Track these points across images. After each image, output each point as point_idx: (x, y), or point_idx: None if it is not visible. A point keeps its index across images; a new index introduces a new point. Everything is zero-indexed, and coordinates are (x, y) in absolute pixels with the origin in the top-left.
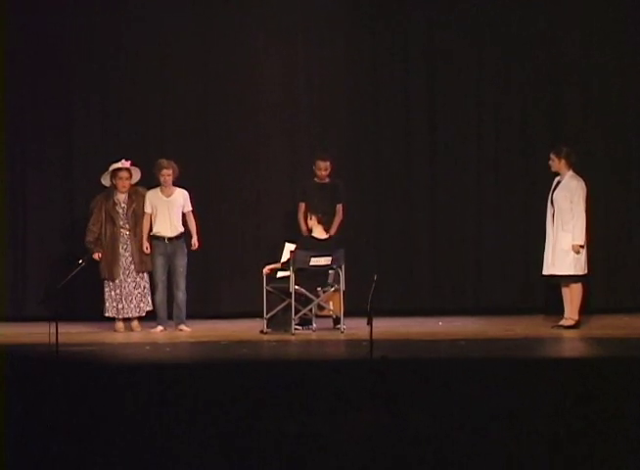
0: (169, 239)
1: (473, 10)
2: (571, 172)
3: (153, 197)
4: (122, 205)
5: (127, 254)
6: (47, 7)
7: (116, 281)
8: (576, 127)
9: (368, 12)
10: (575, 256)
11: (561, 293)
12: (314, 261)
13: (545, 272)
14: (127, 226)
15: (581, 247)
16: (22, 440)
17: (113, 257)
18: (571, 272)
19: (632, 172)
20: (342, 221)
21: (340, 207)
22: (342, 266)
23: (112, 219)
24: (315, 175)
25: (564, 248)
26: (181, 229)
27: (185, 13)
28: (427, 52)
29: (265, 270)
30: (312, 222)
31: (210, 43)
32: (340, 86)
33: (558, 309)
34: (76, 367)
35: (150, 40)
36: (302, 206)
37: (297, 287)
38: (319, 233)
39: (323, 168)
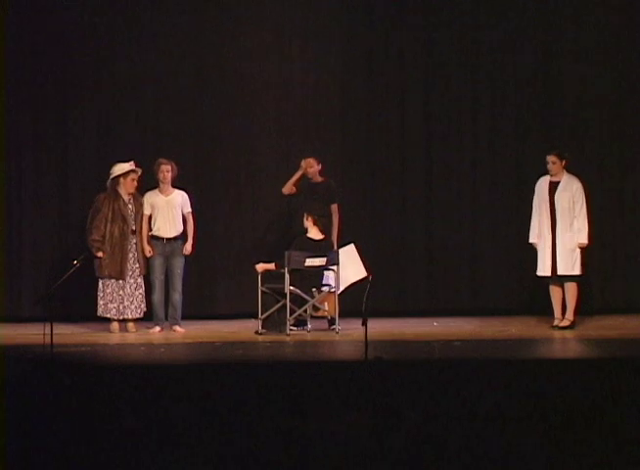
0: (168, 239)
1: (469, 11)
2: (566, 174)
3: (152, 198)
4: (129, 205)
5: (131, 254)
6: (43, 8)
7: (120, 281)
8: (571, 129)
9: (365, 13)
10: (578, 256)
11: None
12: (309, 262)
13: (543, 273)
14: (133, 227)
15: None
16: (18, 439)
17: (122, 255)
18: (577, 272)
19: (627, 174)
20: (340, 221)
21: (335, 207)
22: (337, 267)
23: (123, 218)
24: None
25: (570, 248)
26: (181, 229)
27: (181, 14)
28: (423, 53)
29: (259, 268)
30: (308, 223)
31: (207, 45)
32: (335, 88)
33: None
34: (71, 368)
35: (146, 41)
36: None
37: (291, 288)
38: (314, 234)
39: (307, 165)
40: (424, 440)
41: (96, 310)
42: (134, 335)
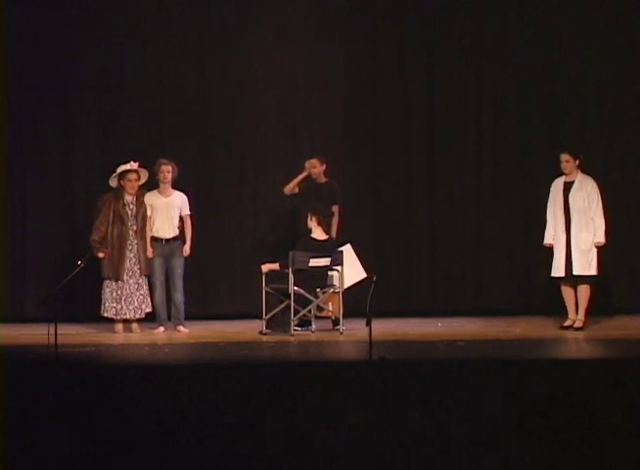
0: (167, 240)
1: (470, 11)
2: (580, 173)
3: (151, 199)
4: (131, 206)
5: (132, 255)
6: (45, 7)
7: (119, 281)
8: (576, 128)
9: (367, 12)
10: (594, 256)
11: (561, 294)
12: (313, 262)
13: (558, 274)
14: (134, 228)
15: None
16: (21, 439)
17: (120, 257)
18: (593, 272)
19: (632, 174)
20: (339, 223)
21: (336, 208)
22: (342, 267)
23: (121, 219)
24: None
25: (586, 248)
26: (178, 230)
27: (184, 13)
28: (425, 52)
29: (264, 268)
30: (312, 223)
31: (209, 45)
32: (338, 88)
33: (558, 311)
34: (75, 368)
35: (148, 41)
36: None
37: (296, 288)
38: (318, 234)
39: (311, 166)
40: (427, 440)
41: (99, 311)
42: (138, 335)
